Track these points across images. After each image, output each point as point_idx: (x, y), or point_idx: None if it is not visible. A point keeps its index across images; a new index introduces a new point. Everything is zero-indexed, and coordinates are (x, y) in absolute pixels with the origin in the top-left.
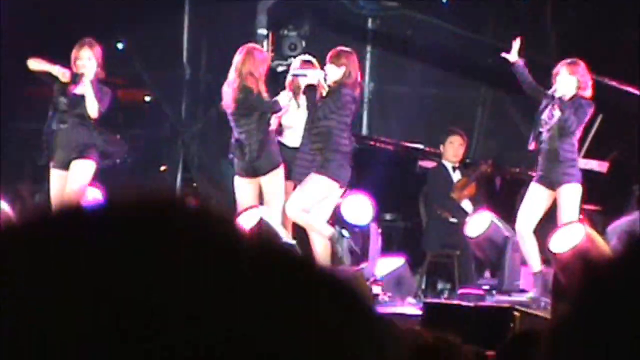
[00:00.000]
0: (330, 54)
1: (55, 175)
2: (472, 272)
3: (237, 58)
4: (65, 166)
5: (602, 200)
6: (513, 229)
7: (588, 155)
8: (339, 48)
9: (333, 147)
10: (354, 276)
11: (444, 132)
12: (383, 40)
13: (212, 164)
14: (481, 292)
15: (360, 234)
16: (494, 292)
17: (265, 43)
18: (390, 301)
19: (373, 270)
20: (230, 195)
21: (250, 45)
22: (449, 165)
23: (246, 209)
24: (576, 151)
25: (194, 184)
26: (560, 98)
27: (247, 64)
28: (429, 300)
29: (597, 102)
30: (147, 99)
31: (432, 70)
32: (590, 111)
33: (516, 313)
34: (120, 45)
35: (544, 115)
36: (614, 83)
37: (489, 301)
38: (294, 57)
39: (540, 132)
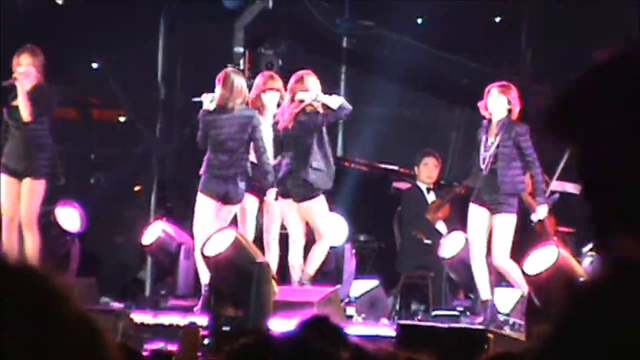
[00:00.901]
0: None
1: (4, 181)
2: (446, 294)
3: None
4: (14, 174)
5: (575, 223)
6: (487, 250)
7: (562, 177)
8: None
9: None
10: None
11: (419, 153)
12: (358, 59)
13: (186, 184)
14: (455, 313)
15: (334, 255)
16: (467, 313)
17: (242, 61)
18: (364, 322)
19: (347, 291)
20: None
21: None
22: (423, 187)
23: (220, 229)
24: (520, 180)
25: (168, 204)
26: (499, 128)
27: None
28: (403, 321)
29: None
30: (122, 118)
31: (407, 91)
32: (528, 136)
33: (490, 335)
34: (95, 65)
35: (482, 144)
36: None
37: (463, 322)
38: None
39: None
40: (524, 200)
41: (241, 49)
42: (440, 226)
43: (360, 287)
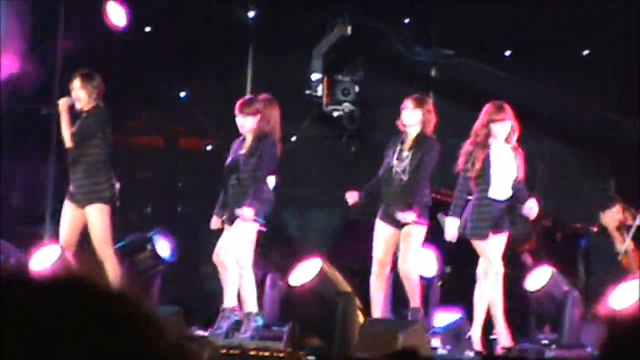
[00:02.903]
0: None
1: (66, 207)
2: (531, 327)
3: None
4: (75, 201)
5: None
6: (574, 284)
7: None
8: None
9: None
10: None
11: None
12: (440, 89)
13: (272, 214)
14: (540, 346)
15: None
16: (553, 346)
17: (319, 88)
18: (448, 354)
19: (432, 323)
20: (290, 245)
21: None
22: None
23: (307, 259)
24: (428, 190)
25: None
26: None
27: None
28: (487, 353)
29: None
30: (209, 147)
31: None
32: (438, 150)
33: None
34: (182, 94)
35: (394, 156)
36: None
37: (548, 356)
38: (348, 102)
39: (392, 172)
40: (611, 233)
41: (319, 76)
42: (526, 258)
43: (445, 318)
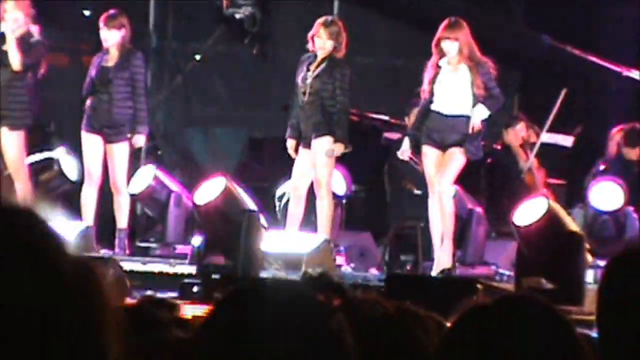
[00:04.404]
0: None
1: None
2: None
3: None
4: None
5: (566, 174)
6: (478, 202)
7: (553, 129)
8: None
9: None
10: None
11: (409, 104)
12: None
13: (177, 133)
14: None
15: None
16: (457, 264)
17: None
18: (353, 272)
19: (336, 241)
20: (194, 164)
21: None
22: None
23: (212, 177)
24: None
25: (159, 152)
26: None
27: None
28: (392, 271)
29: (561, 73)
30: None
31: (396, 39)
32: (347, 72)
33: (479, 285)
34: (86, 12)
35: (300, 79)
36: (577, 52)
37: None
38: (247, 4)
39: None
40: (514, 151)
41: None
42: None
43: (350, 237)
